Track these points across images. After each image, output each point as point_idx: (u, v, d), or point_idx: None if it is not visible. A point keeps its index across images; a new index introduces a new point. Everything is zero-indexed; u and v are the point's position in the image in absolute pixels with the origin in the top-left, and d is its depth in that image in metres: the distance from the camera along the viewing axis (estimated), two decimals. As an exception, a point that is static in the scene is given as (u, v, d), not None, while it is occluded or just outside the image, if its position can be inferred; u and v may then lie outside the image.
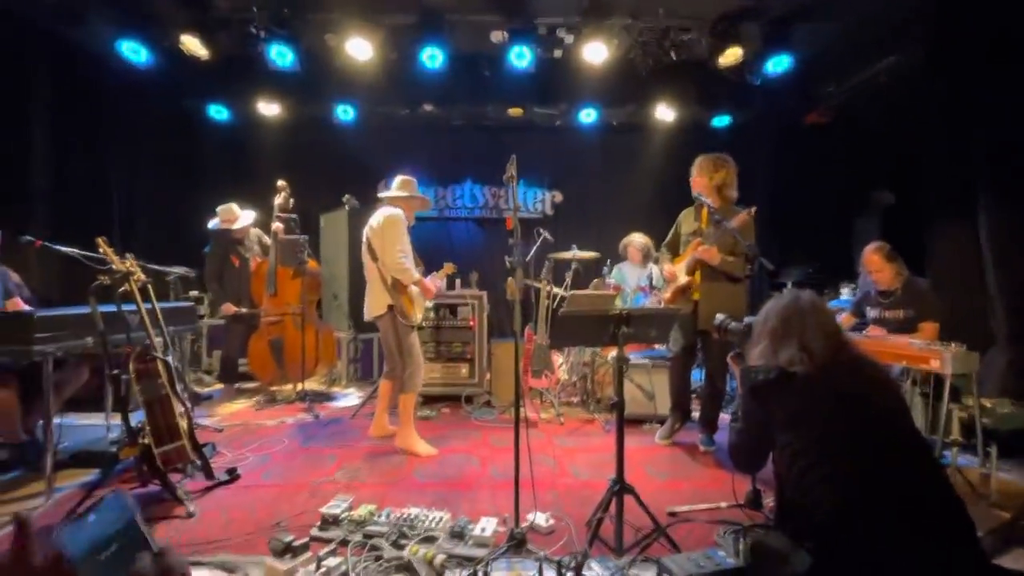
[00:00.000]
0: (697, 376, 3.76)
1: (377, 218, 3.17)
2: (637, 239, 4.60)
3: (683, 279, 3.19)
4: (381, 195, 3.38)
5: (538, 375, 4.05)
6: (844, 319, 3.39)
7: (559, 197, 6.50)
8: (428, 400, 4.26)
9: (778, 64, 4.65)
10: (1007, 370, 3.32)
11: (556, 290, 4.50)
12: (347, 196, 4.99)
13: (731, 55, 4.53)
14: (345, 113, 5.85)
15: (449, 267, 3.93)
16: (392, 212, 3.14)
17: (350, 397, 4.63)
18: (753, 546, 1.48)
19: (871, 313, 3.27)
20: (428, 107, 5.75)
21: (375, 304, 3.18)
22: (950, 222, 3.93)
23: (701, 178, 3.18)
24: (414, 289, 3.21)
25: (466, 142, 6.25)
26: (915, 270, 3.27)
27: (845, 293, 4.72)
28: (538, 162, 6.23)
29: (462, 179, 6.36)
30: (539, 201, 6.49)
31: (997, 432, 2.82)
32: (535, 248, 4.35)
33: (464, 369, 4.32)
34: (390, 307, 3.12)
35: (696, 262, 3.14)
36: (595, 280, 4.70)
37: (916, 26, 4.09)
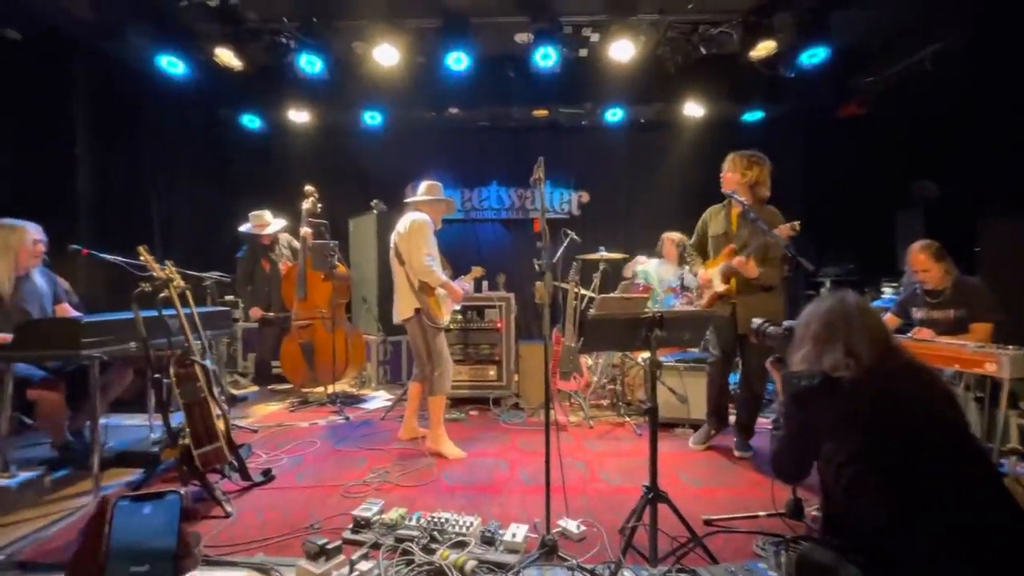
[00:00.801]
0: (732, 379, 3.65)
1: (404, 223, 3.22)
2: (675, 235, 4.50)
3: (720, 286, 3.09)
4: (408, 200, 3.40)
5: (567, 377, 4.01)
6: (887, 320, 3.24)
7: (585, 197, 6.44)
8: (456, 402, 4.26)
9: (813, 56, 4.49)
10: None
11: (584, 292, 4.45)
12: (375, 200, 5.07)
13: (764, 48, 4.40)
14: (372, 119, 5.93)
15: (477, 270, 3.93)
16: (418, 216, 3.19)
17: (379, 399, 4.67)
18: (799, 560, 1.42)
19: (917, 314, 3.12)
20: (454, 110, 5.78)
21: (403, 307, 3.22)
22: (1002, 216, 3.72)
23: (734, 174, 3.06)
24: (441, 292, 3.24)
25: (492, 144, 6.25)
26: (963, 268, 3.10)
27: (888, 292, 4.52)
28: (564, 162, 6.18)
29: (488, 181, 6.36)
30: (566, 202, 6.43)
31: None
32: (562, 249, 4.30)
33: (492, 371, 4.31)
34: (417, 310, 3.15)
35: (731, 269, 3.05)
36: (623, 282, 4.62)
37: (960, 9, 3.88)
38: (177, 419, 2.52)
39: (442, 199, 3.37)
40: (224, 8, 4.18)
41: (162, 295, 2.60)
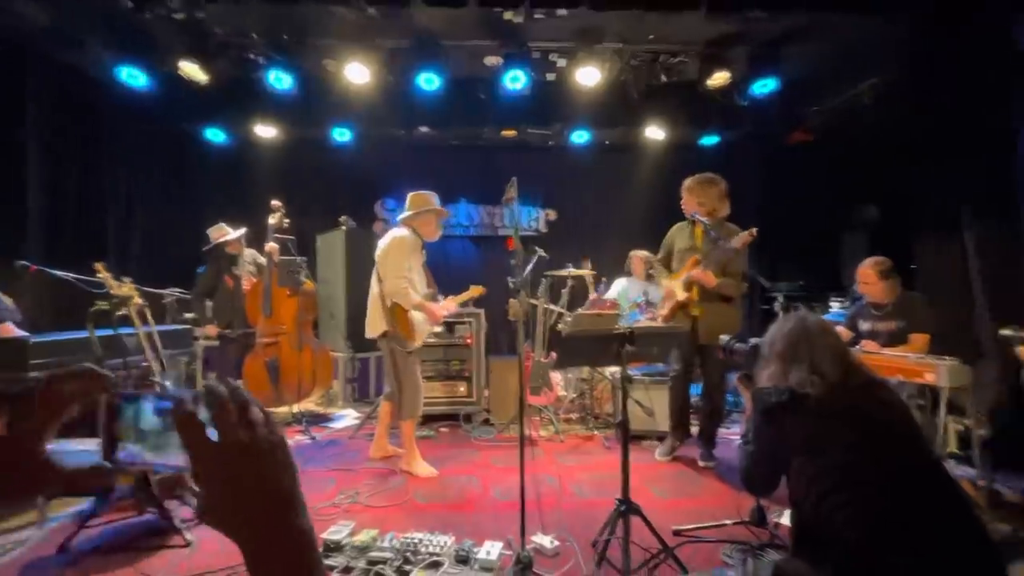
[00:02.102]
0: (694, 391, 3.75)
1: (384, 239, 3.15)
2: (641, 253, 4.63)
3: (681, 295, 3.21)
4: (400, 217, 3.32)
5: (537, 392, 4.02)
6: (840, 333, 3.41)
7: (553, 215, 6.55)
8: (426, 419, 4.20)
9: (764, 86, 4.75)
10: (998, 382, 3.35)
11: (553, 308, 4.50)
12: (344, 217, 4.99)
13: (719, 78, 4.63)
14: (342, 135, 5.87)
15: (476, 289, 3.61)
16: (397, 234, 3.11)
17: (347, 418, 4.56)
18: (774, 573, 1.45)
19: (864, 326, 3.30)
20: (424, 129, 5.79)
21: (373, 325, 3.17)
22: (937, 237, 4.00)
23: (691, 198, 3.23)
24: (417, 314, 3.14)
25: (462, 162, 6.28)
26: (905, 285, 3.31)
27: (835, 307, 4.76)
28: (533, 181, 6.27)
29: (457, 198, 6.37)
30: (534, 219, 6.51)
31: (991, 444, 2.83)
32: (531, 266, 4.34)
33: (462, 387, 4.29)
34: (385, 332, 3.08)
35: (693, 280, 3.16)
36: (592, 296, 4.70)
37: (894, 48, 4.20)
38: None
39: (431, 210, 3.19)
40: (190, 21, 4.09)
41: (120, 313, 2.48)
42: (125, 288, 2.55)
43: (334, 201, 5.93)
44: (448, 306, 3.34)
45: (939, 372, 2.52)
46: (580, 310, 4.27)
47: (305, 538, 0.51)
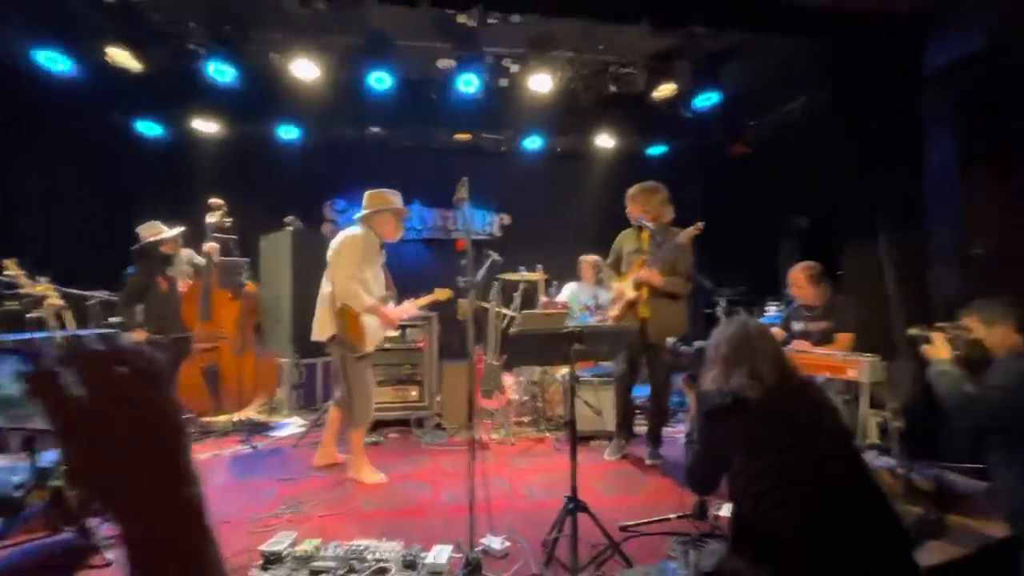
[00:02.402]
0: (640, 392, 3.86)
1: (337, 238, 3.04)
2: (591, 258, 4.71)
3: (631, 294, 3.30)
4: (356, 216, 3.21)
5: (488, 395, 4.01)
6: (776, 333, 3.60)
7: (507, 219, 6.58)
8: (376, 425, 4.09)
9: (707, 99, 4.99)
10: (912, 378, 3.63)
11: (505, 311, 4.50)
12: (290, 217, 4.80)
13: (665, 89, 4.82)
14: (288, 132, 5.68)
15: (442, 293, 3.50)
16: (351, 233, 3.01)
17: (292, 426, 4.38)
18: (717, 570, 1.50)
19: (796, 326, 3.50)
20: (375, 129, 5.70)
21: (320, 328, 3.06)
22: (858, 243, 4.31)
23: (635, 207, 3.35)
24: (369, 317, 3.03)
25: (414, 165, 6.21)
26: (834, 289, 3.54)
27: (772, 310, 5.04)
28: (486, 185, 6.26)
29: (410, 201, 6.23)
30: (488, 223, 6.53)
31: (907, 436, 3.06)
32: (484, 269, 4.34)
33: (414, 392, 4.22)
34: (333, 336, 2.97)
35: (640, 281, 3.26)
36: (543, 299, 4.75)
37: (823, 70, 4.53)
38: (48, 458, 2.19)
39: (389, 209, 3.07)
40: (120, 5, 3.82)
41: (34, 314, 2.28)
42: (40, 287, 2.34)
43: (280, 201, 5.68)
44: (407, 310, 3.25)
45: (861, 368, 2.71)
46: (530, 311, 4.29)
47: (192, 506, 0.46)
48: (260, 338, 4.61)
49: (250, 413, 4.45)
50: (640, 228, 3.42)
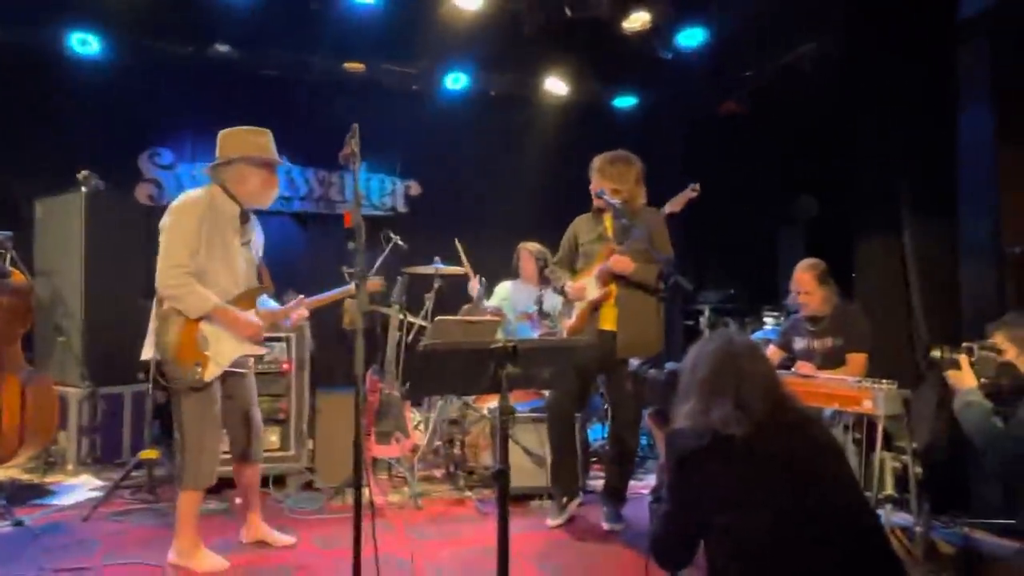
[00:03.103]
0: (598, 433, 3.96)
1: (173, 203, 2.92)
2: (532, 246, 4.77)
3: (595, 292, 3.37)
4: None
5: (385, 439, 3.97)
6: (772, 354, 3.85)
7: (416, 189, 6.53)
8: (217, 485, 3.91)
9: (691, 37, 5.23)
10: (937, 410, 3.99)
11: (412, 319, 4.47)
12: (84, 172, 4.56)
13: (637, 20, 5.01)
14: (85, 45, 5.37)
15: (363, 284, 3.36)
16: (190, 195, 2.89)
17: (81, 490, 4.15)
18: None
19: (798, 344, 3.76)
20: (223, 47, 5.54)
21: (147, 344, 2.94)
22: (876, 235, 4.66)
23: (605, 182, 3.46)
24: (208, 328, 2.88)
25: (282, 104, 6.04)
26: (844, 293, 3.83)
27: (770, 322, 5.36)
28: (387, 139, 6.22)
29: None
30: (388, 193, 6.45)
31: (928, 485, 3.36)
32: (382, 258, 4.30)
33: (273, 436, 4.10)
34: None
35: (607, 273, 3.34)
36: (466, 306, 4.76)
37: (836, 9, 4.88)
38: None
39: (250, 157, 2.96)
40: None
41: None
42: None
43: (69, 148, 5.35)
44: (291, 312, 3.14)
45: (875, 398, 2.94)
46: (444, 317, 4.28)
47: None
48: (31, 356, 4.34)
49: (12, 471, 4.22)
50: (601, 211, 3.51)
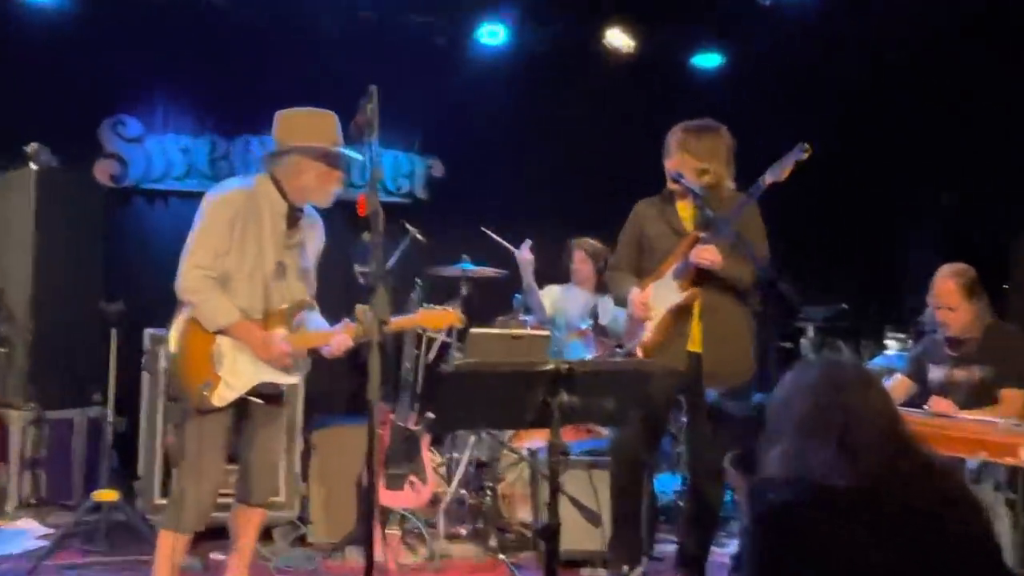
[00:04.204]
0: (672, 482, 3.92)
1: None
2: (586, 242, 4.76)
3: (677, 296, 3.30)
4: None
5: (398, 484, 3.99)
6: (898, 386, 3.76)
7: (439, 170, 6.54)
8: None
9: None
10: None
11: (433, 334, 4.48)
12: (33, 146, 4.71)
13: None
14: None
15: (443, 315, 3.25)
16: (224, 188, 3.04)
17: (25, 537, 4.25)
18: None
19: (935, 373, 3.66)
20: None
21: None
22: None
23: (686, 159, 3.40)
24: (227, 343, 2.97)
25: (268, 57, 6.13)
26: (994, 313, 3.72)
27: (893, 347, 5.24)
28: (405, 106, 6.21)
29: (259, 126, 6.17)
30: (405, 175, 6.47)
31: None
32: (396, 256, 4.31)
33: (259, 478, 4.15)
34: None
35: (691, 270, 3.28)
36: (500, 318, 4.76)
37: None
38: None
39: (308, 148, 3.02)
40: None
41: None
42: None
43: (14, 116, 5.50)
44: (338, 338, 3.08)
45: (1039, 448, 2.85)
46: (480, 330, 4.30)
47: None
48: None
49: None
50: (672, 196, 3.48)
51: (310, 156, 3.02)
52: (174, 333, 2.96)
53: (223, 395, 2.92)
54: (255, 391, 3.01)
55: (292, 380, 3.21)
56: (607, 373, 2.34)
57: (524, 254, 4.71)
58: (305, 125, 3.06)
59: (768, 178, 3.20)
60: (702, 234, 3.25)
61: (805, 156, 3.20)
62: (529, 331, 4.33)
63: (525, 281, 4.72)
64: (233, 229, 2.92)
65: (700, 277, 3.28)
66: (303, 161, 3.02)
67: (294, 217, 3.07)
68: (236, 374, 2.96)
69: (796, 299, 2.82)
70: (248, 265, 2.97)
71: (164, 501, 4.04)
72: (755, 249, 3.23)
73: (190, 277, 2.88)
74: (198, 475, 2.95)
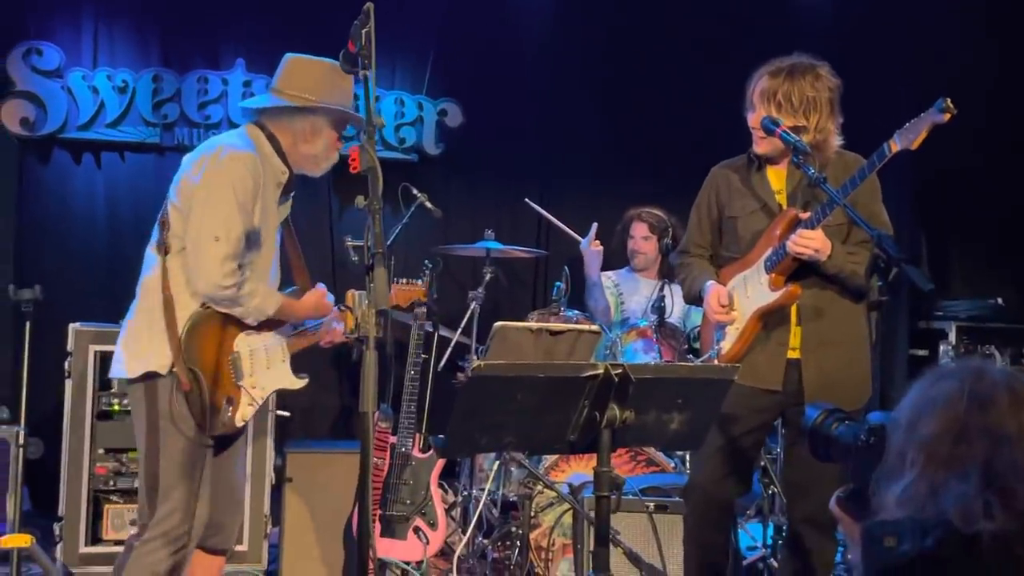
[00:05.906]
0: (758, 535, 3.93)
1: (196, 161, 3.03)
2: (648, 214, 4.77)
3: (769, 296, 3.24)
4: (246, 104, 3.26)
5: (399, 529, 4.03)
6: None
7: (456, 118, 6.55)
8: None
9: None
10: None
11: (447, 333, 4.52)
12: None
13: None
14: None
15: (414, 289, 3.57)
16: (234, 152, 2.99)
17: None
18: None
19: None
20: None
21: (134, 353, 3.02)
22: None
23: (772, 109, 3.33)
24: (241, 343, 3.04)
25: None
26: None
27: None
28: (408, 34, 6.31)
29: (231, 60, 6.26)
30: (410, 124, 6.49)
31: None
32: (399, 229, 4.35)
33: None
34: (151, 374, 2.94)
35: (787, 262, 3.24)
36: (536, 311, 4.77)
37: None
38: None
39: (329, 108, 3.13)
40: None
41: None
42: None
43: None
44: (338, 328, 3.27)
45: None
46: (508, 323, 4.30)
47: None
48: None
49: None
50: (762, 160, 3.44)
51: (333, 119, 3.12)
52: (161, 333, 2.92)
53: (245, 413, 3.02)
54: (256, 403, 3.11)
55: (301, 383, 3.31)
56: (674, 381, 2.33)
57: (591, 245, 4.72)
58: (330, 80, 3.10)
59: (896, 143, 3.10)
60: (804, 214, 3.22)
61: (946, 118, 3.08)
62: (574, 325, 4.31)
63: (590, 278, 4.73)
64: (257, 204, 2.98)
65: (800, 270, 3.27)
66: (324, 125, 3.11)
67: (290, 188, 3.16)
68: (256, 385, 3.06)
69: (927, 283, 2.75)
70: (261, 243, 3.04)
71: (93, 549, 4.12)
72: (872, 219, 3.17)
73: (224, 273, 2.87)
74: (185, 502, 2.95)
